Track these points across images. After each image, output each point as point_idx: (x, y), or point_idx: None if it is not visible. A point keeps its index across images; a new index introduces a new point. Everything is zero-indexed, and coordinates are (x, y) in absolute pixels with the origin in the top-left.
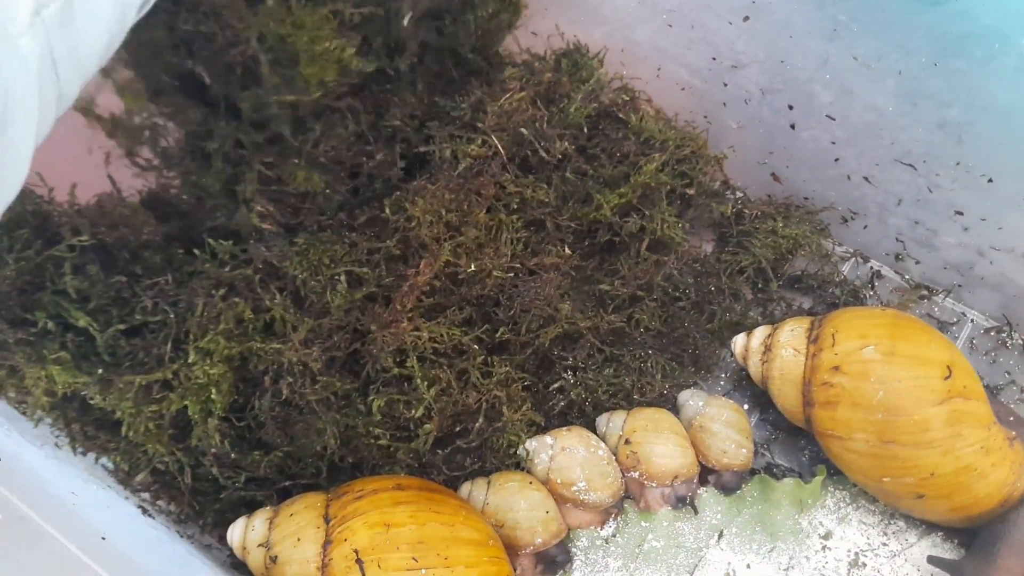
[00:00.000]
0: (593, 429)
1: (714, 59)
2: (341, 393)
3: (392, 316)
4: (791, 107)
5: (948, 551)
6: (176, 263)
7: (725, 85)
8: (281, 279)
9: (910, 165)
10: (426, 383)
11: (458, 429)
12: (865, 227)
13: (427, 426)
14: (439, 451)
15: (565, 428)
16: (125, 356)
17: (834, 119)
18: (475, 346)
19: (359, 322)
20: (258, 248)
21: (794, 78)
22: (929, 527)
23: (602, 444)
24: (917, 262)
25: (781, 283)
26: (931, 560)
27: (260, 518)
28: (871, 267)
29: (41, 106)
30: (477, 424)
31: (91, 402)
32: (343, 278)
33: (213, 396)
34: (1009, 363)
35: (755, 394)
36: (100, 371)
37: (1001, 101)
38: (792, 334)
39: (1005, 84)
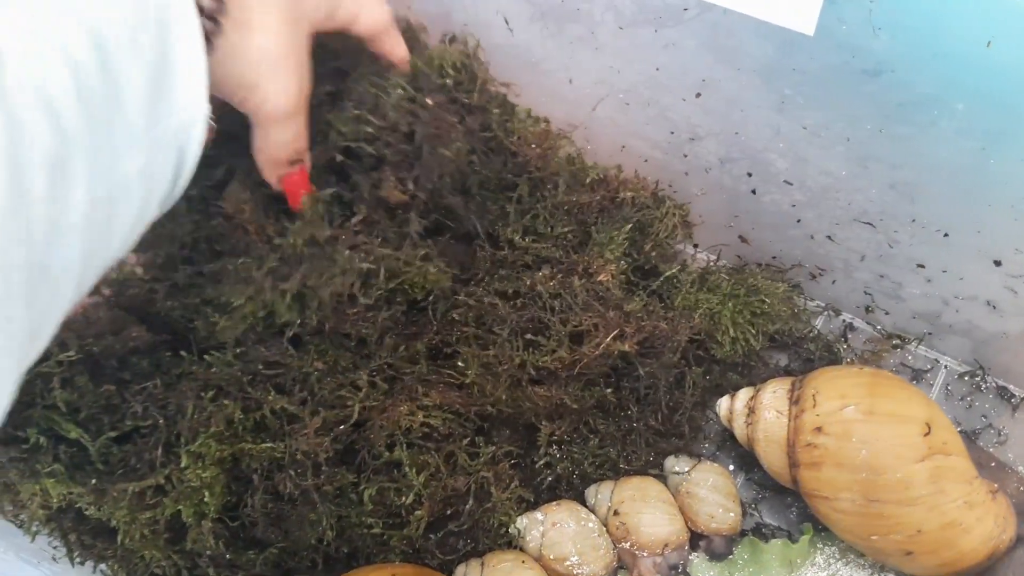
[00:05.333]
0: (583, 501)
1: (672, 133)
2: (338, 485)
3: (393, 401)
4: (750, 174)
5: None
6: (164, 366)
7: (685, 156)
8: (282, 376)
9: (868, 223)
10: (415, 469)
11: (449, 512)
12: (834, 282)
13: (418, 512)
14: (431, 536)
15: (555, 503)
16: (118, 463)
17: (792, 184)
18: (460, 429)
19: (364, 412)
20: (257, 349)
21: (750, 147)
22: None
23: (592, 516)
24: (887, 313)
25: (759, 344)
26: None
27: None
28: (843, 320)
29: (73, 297)
30: (467, 506)
31: (86, 512)
32: (364, 379)
33: (206, 499)
34: (985, 407)
35: (740, 454)
36: (94, 481)
37: (946, 162)
38: (774, 396)
39: (948, 146)
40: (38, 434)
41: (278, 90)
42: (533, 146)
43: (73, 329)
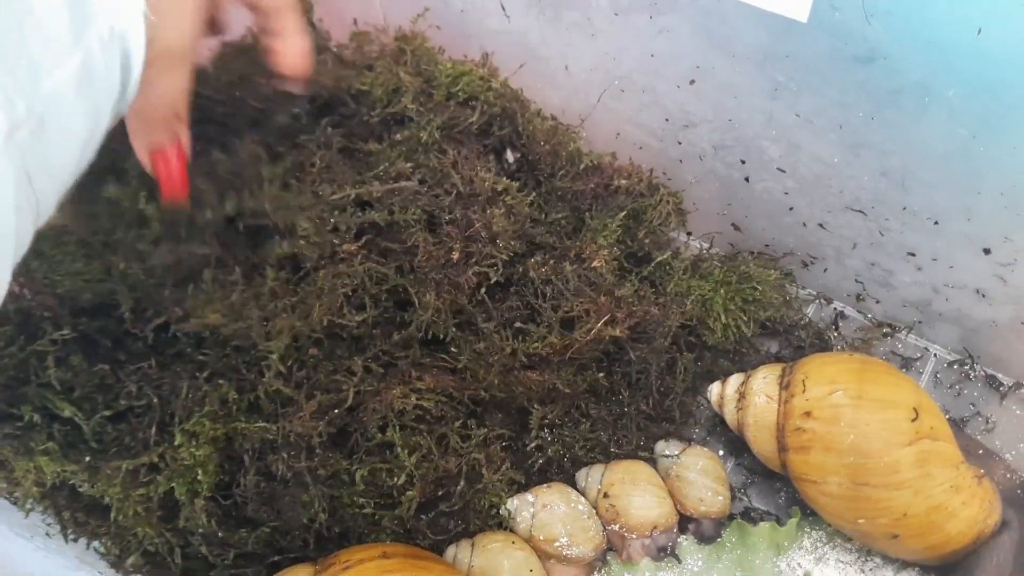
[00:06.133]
0: (573, 484)
1: (667, 120)
2: (331, 467)
3: (387, 385)
4: (743, 161)
5: None
6: (159, 347)
7: (679, 143)
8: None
9: (860, 211)
10: (407, 450)
11: (440, 493)
12: (825, 270)
13: (410, 493)
14: (423, 516)
15: (545, 485)
16: (112, 442)
17: (784, 171)
18: (452, 412)
19: (358, 396)
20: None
21: (743, 135)
22: (905, 564)
23: (582, 499)
24: (877, 301)
25: (750, 331)
26: None
27: None
28: (834, 308)
29: (18, 223)
30: (459, 487)
31: (80, 489)
32: (359, 366)
33: (200, 477)
34: (973, 395)
35: (730, 440)
36: (88, 458)
37: (936, 149)
38: (764, 381)
39: (938, 133)
40: (32, 412)
41: (176, 25)
42: (542, 143)
43: (67, 308)
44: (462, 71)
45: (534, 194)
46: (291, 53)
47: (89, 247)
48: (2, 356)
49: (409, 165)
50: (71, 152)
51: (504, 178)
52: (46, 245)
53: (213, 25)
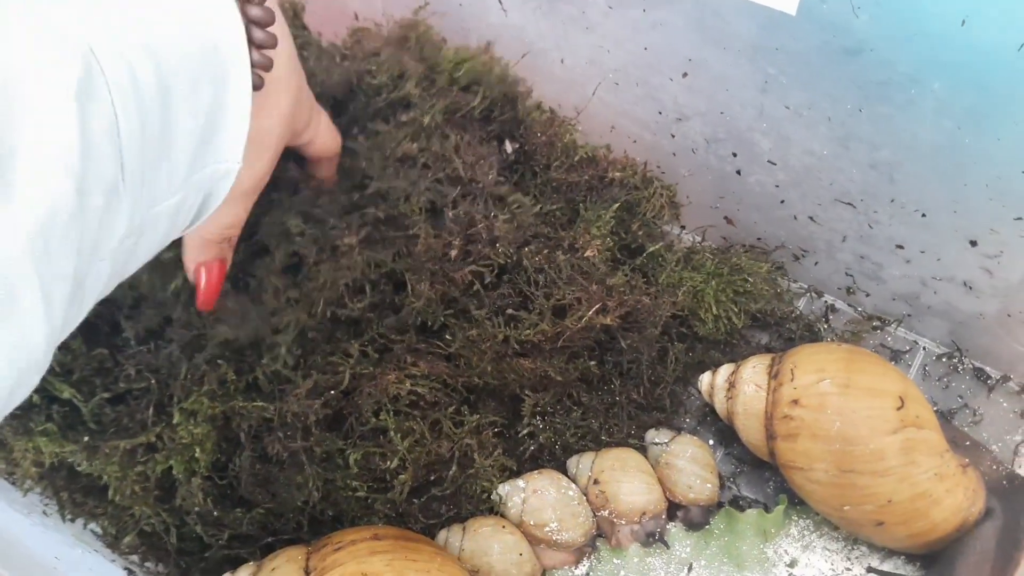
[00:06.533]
0: (564, 471)
1: (660, 113)
2: (325, 449)
3: (382, 370)
4: (735, 154)
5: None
6: (155, 332)
7: (673, 136)
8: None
9: (849, 204)
10: (400, 435)
11: (433, 478)
12: (816, 263)
13: (402, 476)
14: (415, 500)
15: (536, 471)
16: (110, 423)
17: (775, 164)
18: (446, 398)
19: (354, 380)
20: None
21: (735, 128)
22: (891, 552)
23: (573, 485)
24: (867, 294)
25: (741, 323)
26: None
27: (243, 574)
28: (825, 301)
29: (87, 311)
30: (451, 472)
31: (78, 469)
32: (356, 349)
33: (197, 455)
34: (961, 387)
35: (720, 429)
36: (86, 439)
37: (924, 141)
38: (754, 371)
39: (926, 125)
40: (32, 393)
41: (251, 169)
42: (539, 135)
43: None
44: (464, 57)
45: (532, 186)
46: (328, 176)
47: None
48: None
49: (415, 146)
50: (139, 265)
51: (507, 188)
52: None
53: None
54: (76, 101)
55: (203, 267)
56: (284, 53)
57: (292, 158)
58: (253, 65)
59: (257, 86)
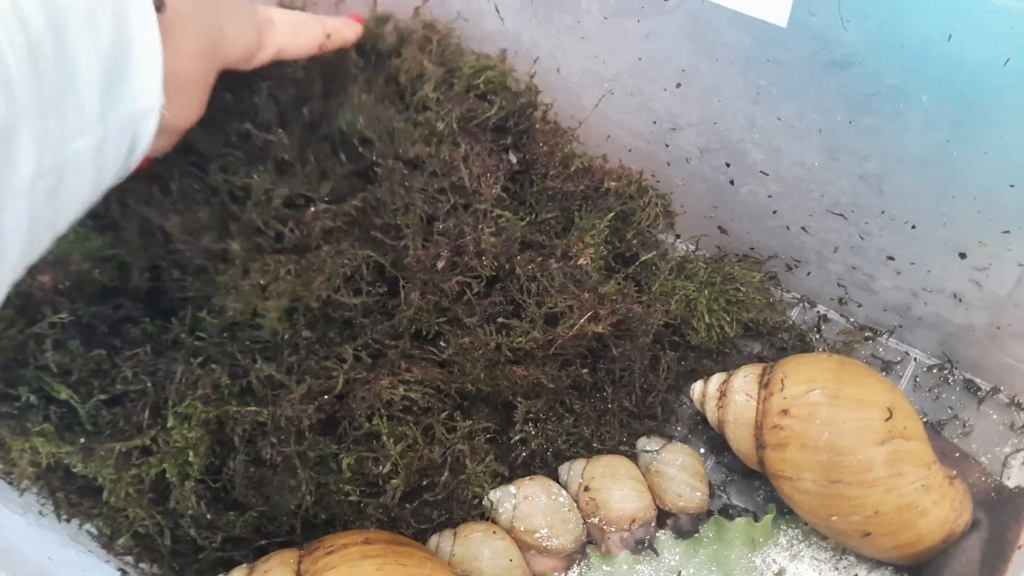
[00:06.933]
0: (555, 478)
1: (654, 123)
2: (319, 453)
3: (376, 375)
4: (728, 164)
5: None
6: (154, 334)
7: (667, 146)
8: (270, 346)
9: (840, 215)
10: (393, 440)
11: (425, 483)
12: (808, 274)
13: (394, 481)
14: (407, 505)
15: (528, 478)
16: (106, 425)
17: (767, 174)
18: (439, 404)
19: (347, 384)
20: (246, 331)
21: (728, 138)
22: (878, 563)
23: (563, 492)
24: (859, 305)
25: (734, 332)
26: None
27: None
28: (817, 311)
29: (19, 263)
30: (443, 477)
31: (74, 470)
32: (350, 353)
33: (191, 459)
34: (951, 399)
35: (711, 438)
36: (82, 440)
37: (912, 153)
38: (745, 380)
39: (914, 138)
40: (29, 393)
41: (172, 111)
42: (541, 144)
43: (66, 294)
44: (485, 65)
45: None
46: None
47: (101, 220)
48: (1, 338)
49: (428, 150)
50: (72, 213)
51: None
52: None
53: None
54: None
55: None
56: None
57: None
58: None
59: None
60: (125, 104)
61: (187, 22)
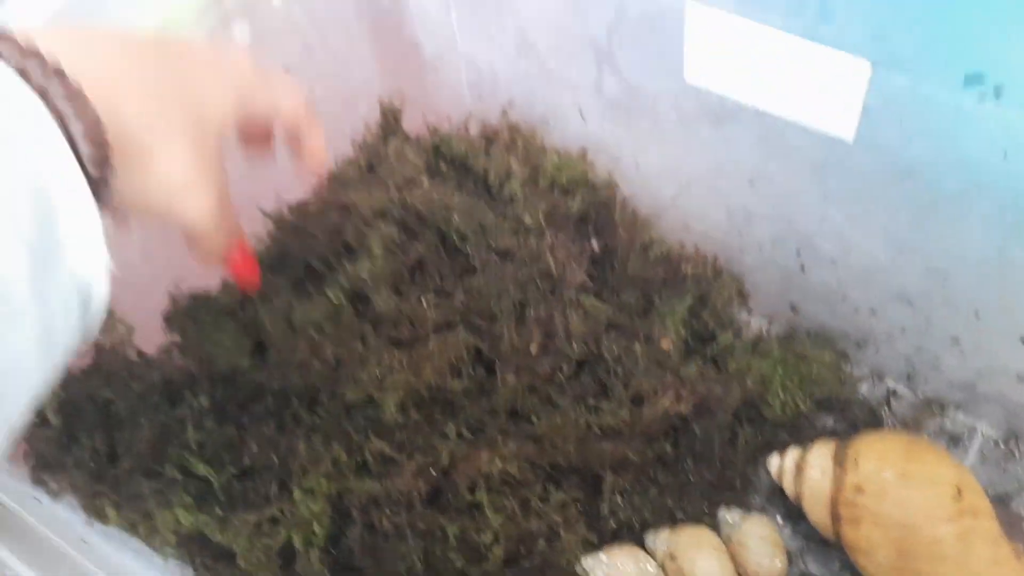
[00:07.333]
0: (642, 546)
1: (728, 215)
2: (427, 524)
3: (476, 449)
4: (799, 254)
5: None
6: (277, 412)
7: (740, 235)
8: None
9: (907, 302)
10: (493, 510)
11: (523, 550)
12: (876, 351)
13: (496, 550)
14: (507, 571)
15: (617, 546)
16: (238, 496)
17: (837, 264)
18: (533, 476)
19: (451, 459)
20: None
21: (799, 230)
22: None
23: (651, 560)
24: (926, 381)
25: (807, 407)
26: None
27: None
28: (886, 387)
29: None
30: (539, 546)
31: (211, 538)
32: (453, 431)
33: (315, 529)
34: (1018, 471)
35: (788, 508)
36: (218, 512)
37: (974, 252)
38: (820, 456)
39: (974, 239)
40: (173, 469)
41: (194, 208)
42: (621, 233)
43: (206, 378)
44: (567, 163)
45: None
46: (314, 151)
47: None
48: (151, 422)
49: (517, 241)
50: (24, 404)
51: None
52: (204, 313)
53: (251, 138)
54: None
55: (227, 267)
56: (135, 110)
57: None
58: (85, 163)
59: (102, 177)
60: (62, 286)
61: (151, 130)
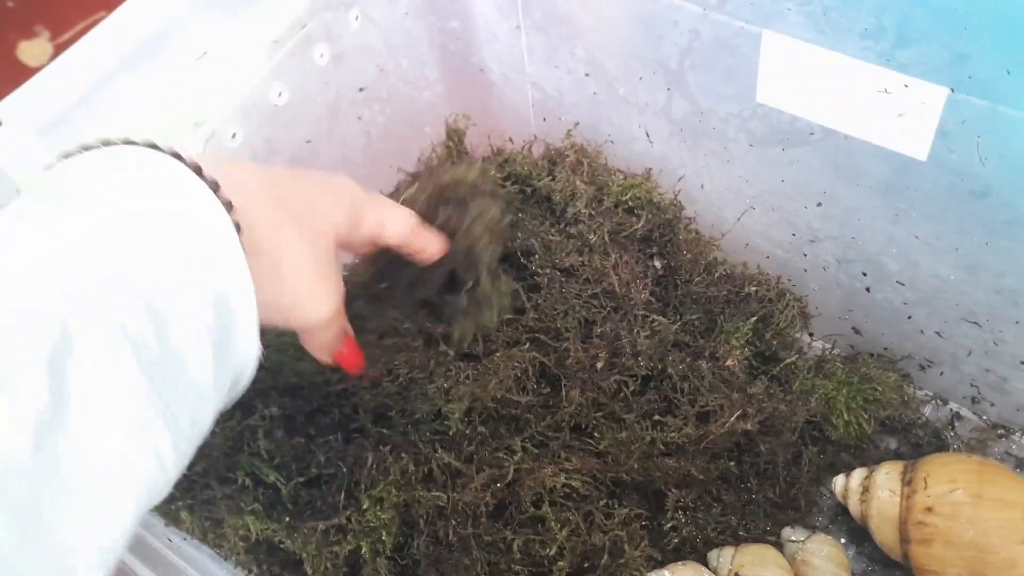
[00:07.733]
0: (705, 563)
1: (793, 235)
2: (491, 536)
3: (540, 464)
4: (864, 274)
5: None
6: (343, 423)
7: (804, 255)
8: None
9: (975, 323)
10: (558, 524)
11: (586, 565)
12: (941, 373)
13: (560, 564)
14: None
15: (680, 563)
16: (305, 505)
17: (903, 284)
18: (596, 491)
19: (516, 473)
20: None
21: (865, 251)
22: None
23: None
24: (992, 404)
25: (871, 429)
26: None
27: None
28: (951, 409)
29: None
30: (603, 561)
31: (280, 546)
32: (518, 445)
33: (383, 538)
34: None
35: (851, 529)
36: (287, 519)
37: None
38: (888, 476)
39: None
40: (244, 476)
41: (315, 312)
42: (685, 252)
43: (274, 388)
44: (632, 184)
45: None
46: (431, 254)
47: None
48: (224, 429)
49: (581, 259)
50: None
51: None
52: (272, 339)
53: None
54: (48, 365)
55: (335, 357)
56: (264, 227)
57: None
58: None
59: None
60: (229, 369)
61: (279, 244)
